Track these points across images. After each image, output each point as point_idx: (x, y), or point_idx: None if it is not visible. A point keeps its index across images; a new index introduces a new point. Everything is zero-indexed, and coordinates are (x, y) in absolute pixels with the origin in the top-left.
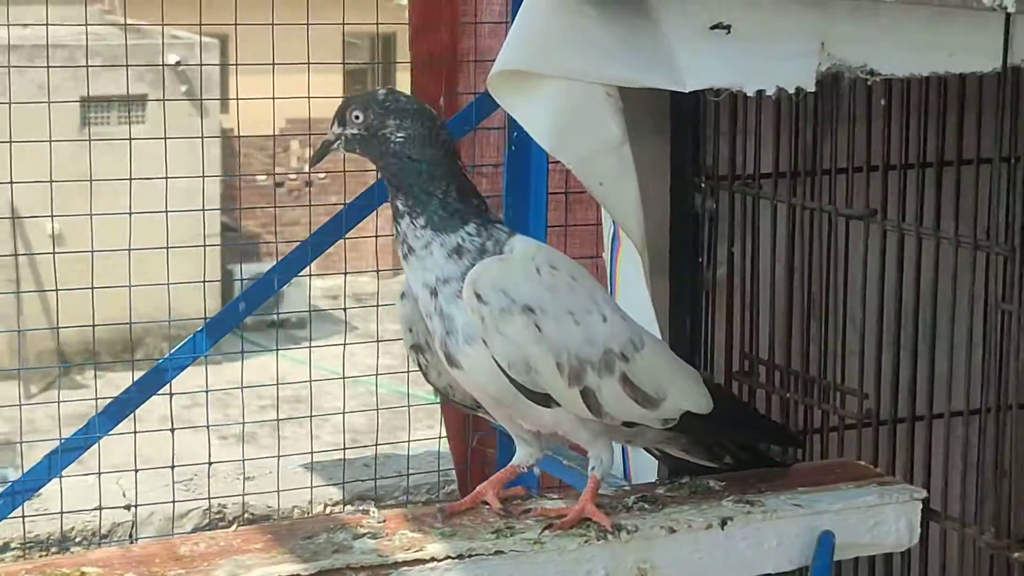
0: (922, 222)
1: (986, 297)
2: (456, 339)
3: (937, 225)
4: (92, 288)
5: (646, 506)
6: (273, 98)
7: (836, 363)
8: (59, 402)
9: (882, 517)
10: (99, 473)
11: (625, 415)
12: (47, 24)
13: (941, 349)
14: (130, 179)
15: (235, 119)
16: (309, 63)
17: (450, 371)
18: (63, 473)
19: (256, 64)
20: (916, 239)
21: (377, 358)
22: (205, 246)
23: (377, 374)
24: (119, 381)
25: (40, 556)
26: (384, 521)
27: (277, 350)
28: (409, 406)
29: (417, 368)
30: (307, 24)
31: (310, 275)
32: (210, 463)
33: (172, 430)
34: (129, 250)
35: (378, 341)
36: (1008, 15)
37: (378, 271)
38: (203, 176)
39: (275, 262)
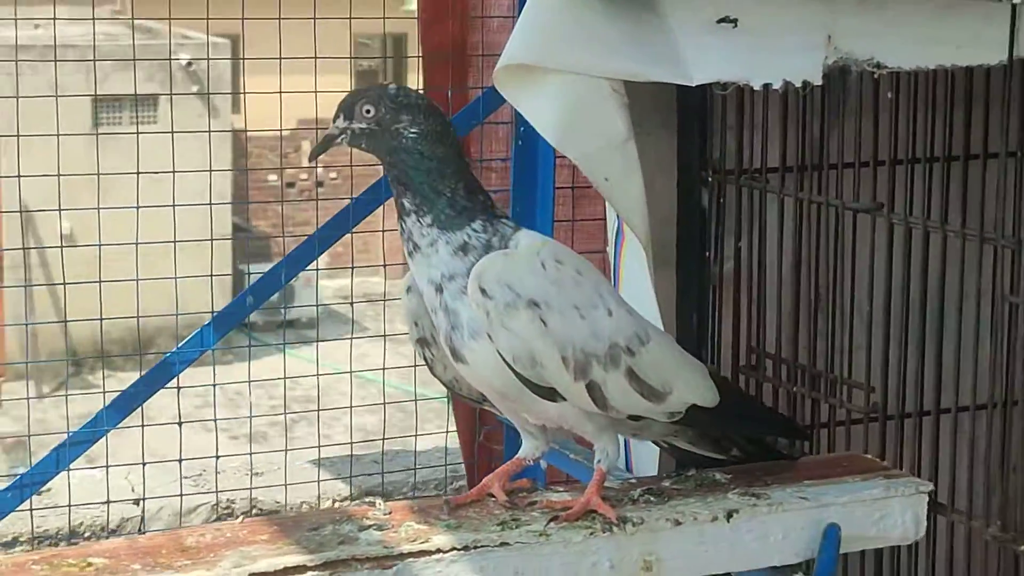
0: (929, 216)
1: (993, 290)
2: (461, 334)
3: (944, 219)
4: (100, 282)
5: (652, 498)
6: (280, 92)
7: (843, 357)
8: (67, 394)
9: (888, 510)
10: (107, 467)
11: (631, 409)
12: (54, 19)
13: (948, 343)
14: (137, 173)
15: (245, 120)
16: (316, 57)
17: (455, 366)
18: (71, 467)
19: (265, 59)
20: (923, 233)
21: (384, 356)
22: (212, 239)
23: (384, 368)
24: (129, 380)
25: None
26: (390, 513)
27: (284, 344)
28: (416, 399)
29: (423, 362)
30: (314, 19)
31: (316, 270)
32: (217, 457)
33: (180, 423)
34: (137, 244)
35: (384, 336)
36: (1014, 7)
37: (385, 265)
38: (210, 170)
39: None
